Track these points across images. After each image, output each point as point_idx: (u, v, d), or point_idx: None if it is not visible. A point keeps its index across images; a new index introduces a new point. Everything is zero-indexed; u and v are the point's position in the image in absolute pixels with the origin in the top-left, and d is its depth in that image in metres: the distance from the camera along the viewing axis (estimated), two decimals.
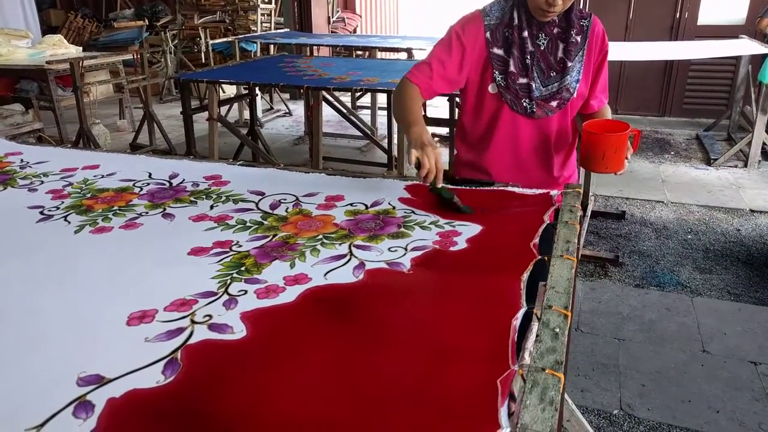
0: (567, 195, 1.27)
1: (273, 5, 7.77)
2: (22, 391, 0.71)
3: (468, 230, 1.14)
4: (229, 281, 0.96)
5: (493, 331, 0.79)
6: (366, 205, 1.28)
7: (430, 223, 1.18)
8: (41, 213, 1.26)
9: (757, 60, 4.92)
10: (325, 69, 3.86)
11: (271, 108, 7.03)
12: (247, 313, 0.86)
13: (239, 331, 0.82)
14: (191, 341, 0.80)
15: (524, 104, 1.53)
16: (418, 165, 1.27)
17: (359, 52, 6.38)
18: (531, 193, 1.32)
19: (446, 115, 3.63)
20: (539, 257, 1.00)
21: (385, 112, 4.92)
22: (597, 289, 2.94)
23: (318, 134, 4.07)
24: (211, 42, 7.07)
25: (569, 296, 0.87)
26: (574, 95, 1.55)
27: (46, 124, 4.16)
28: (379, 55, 5.85)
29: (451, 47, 1.51)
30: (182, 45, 7.91)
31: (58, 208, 1.28)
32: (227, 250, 1.07)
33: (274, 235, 1.14)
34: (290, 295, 0.91)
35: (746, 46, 4.63)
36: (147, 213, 1.26)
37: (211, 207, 1.29)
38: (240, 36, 6.48)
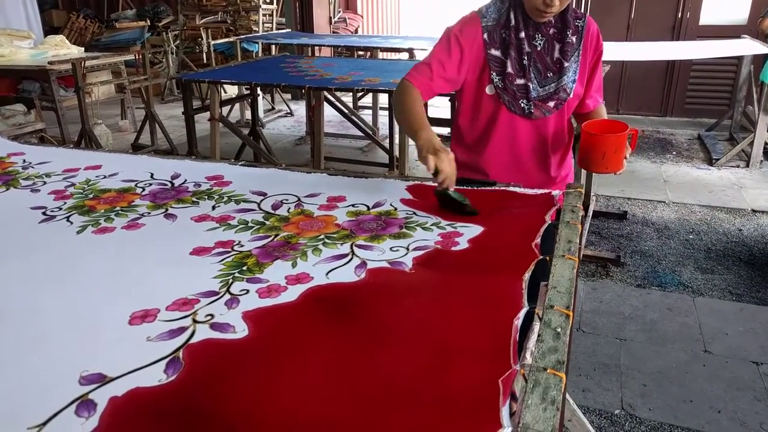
0: (569, 195, 1.27)
1: (274, 6, 7.77)
2: (25, 390, 0.71)
3: (470, 231, 1.14)
4: (230, 281, 0.96)
5: (495, 331, 0.80)
6: (368, 206, 1.28)
7: (432, 224, 1.18)
8: (44, 214, 1.26)
9: (759, 60, 4.91)
10: (327, 69, 3.86)
11: (273, 108, 7.03)
12: (248, 313, 0.86)
13: (241, 331, 0.82)
14: (193, 340, 0.80)
15: (522, 105, 1.53)
16: (436, 171, 1.25)
17: (361, 53, 6.38)
18: (532, 193, 1.32)
19: (447, 116, 3.64)
20: (541, 257, 1.00)
21: (386, 112, 4.92)
22: (598, 289, 2.93)
23: (319, 134, 4.07)
24: (212, 42, 7.07)
25: (571, 296, 0.87)
26: (571, 95, 1.56)
27: (48, 125, 4.17)
28: (381, 55, 5.85)
29: (450, 48, 1.51)
30: (184, 45, 7.92)
31: (60, 209, 1.29)
32: (229, 250, 1.08)
33: (276, 235, 1.14)
34: (292, 294, 0.91)
35: (748, 46, 4.62)
36: (149, 213, 1.26)
37: (213, 207, 1.29)
38: (242, 36, 6.48)
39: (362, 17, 9.07)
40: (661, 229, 3.65)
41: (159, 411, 0.67)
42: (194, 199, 1.34)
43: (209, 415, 0.66)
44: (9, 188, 1.43)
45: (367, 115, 5.99)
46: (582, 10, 5.64)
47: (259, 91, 5.41)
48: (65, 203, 1.32)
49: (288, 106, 7.03)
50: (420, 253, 1.05)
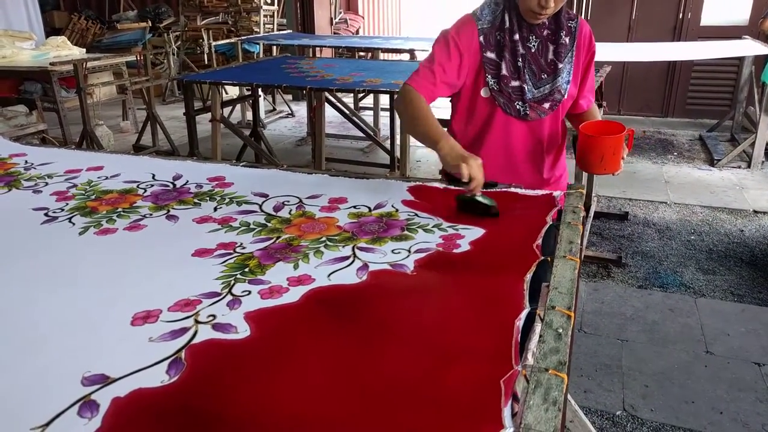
0: (570, 196, 1.27)
1: (276, 7, 7.78)
2: (27, 391, 0.71)
3: (471, 233, 1.14)
4: (232, 282, 0.96)
5: (496, 332, 0.80)
6: (369, 208, 1.28)
7: (434, 226, 1.18)
8: (46, 215, 1.26)
9: (760, 61, 4.91)
10: (328, 70, 3.87)
11: (274, 109, 7.04)
12: (250, 313, 0.87)
13: (243, 331, 0.82)
14: (195, 341, 0.80)
15: (517, 107, 1.54)
16: (463, 178, 1.24)
17: (362, 54, 6.39)
18: (533, 194, 1.32)
19: (447, 117, 3.64)
20: (542, 258, 1.00)
21: (387, 113, 4.93)
22: (600, 290, 2.93)
23: (321, 135, 4.08)
24: (214, 43, 7.09)
25: (572, 297, 0.87)
26: (565, 96, 1.57)
27: (50, 126, 4.17)
28: (382, 56, 5.85)
29: (449, 52, 1.50)
30: (185, 46, 7.93)
31: (62, 210, 1.29)
32: (231, 251, 1.08)
33: (278, 237, 1.14)
34: (294, 295, 0.92)
35: (749, 47, 4.62)
36: (151, 215, 1.26)
37: (215, 209, 1.29)
38: (243, 37, 6.49)
39: (363, 18, 9.07)
40: (663, 229, 3.65)
41: (161, 411, 0.67)
42: (196, 200, 1.34)
43: (211, 416, 0.66)
44: (11, 189, 1.43)
45: (368, 116, 5.99)
46: (583, 11, 5.64)
47: (260, 92, 5.42)
48: (67, 204, 1.32)
49: (289, 107, 7.04)
50: (421, 255, 1.05)
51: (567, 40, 1.53)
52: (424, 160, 5.01)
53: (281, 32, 7.12)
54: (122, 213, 1.27)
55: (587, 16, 5.90)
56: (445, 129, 1.43)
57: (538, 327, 0.81)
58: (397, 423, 0.65)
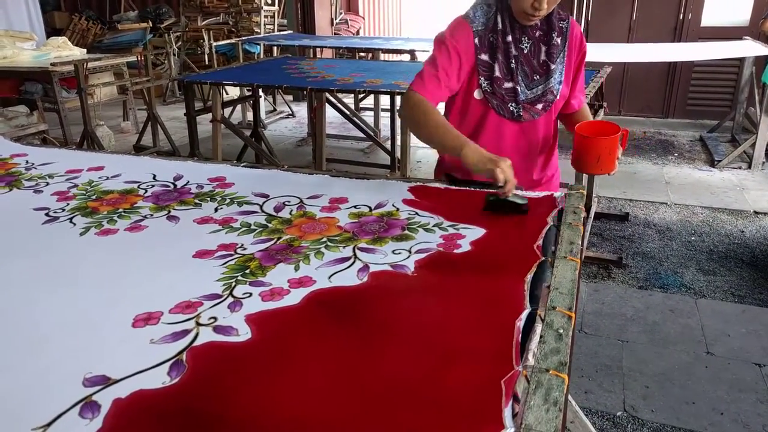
0: (570, 197, 1.27)
1: (276, 7, 7.79)
2: (29, 391, 0.71)
3: (472, 233, 1.14)
4: (233, 284, 0.96)
5: (497, 332, 0.80)
6: (370, 208, 1.28)
7: (434, 226, 1.18)
8: (47, 215, 1.27)
9: (760, 61, 4.91)
10: (329, 71, 3.87)
11: (275, 110, 7.04)
12: (251, 316, 0.87)
13: (244, 334, 0.82)
14: (196, 343, 0.80)
15: (511, 108, 1.54)
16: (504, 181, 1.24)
17: (362, 54, 6.39)
18: (534, 196, 1.32)
19: None
20: (542, 258, 1.01)
21: (388, 114, 4.93)
22: (600, 291, 2.93)
23: (321, 136, 4.08)
24: (214, 44, 7.09)
25: (573, 297, 0.88)
26: (558, 97, 1.57)
27: (51, 126, 4.18)
28: (382, 56, 5.85)
29: (450, 56, 1.49)
30: (186, 47, 7.93)
31: (63, 210, 1.29)
32: (232, 252, 1.08)
33: (279, 238, 1.14)
34: (295, 297, 0.92)
35: (750, 48, 4.62)
36: (152, 215, 1.26)
37: (216, 210, 1.29)
38: (243, 38, 6.49)
39: (364, 19, 9.07)
40: (663, 230, 3.65)
41: (162, 413, 0.67)
42: (197, 201, 1.34)
43: (212, 418, 0.66)
44: (12, 189, 1.43)
45: (368, 117, 6.00)
46: (584, 12, 5.64)
47: (260, 93, 5.42)
48: (68, 204, 1.32)
49: (290, 107, 7.04)
50: (422, 255, 1.05)
51: (559, 40, 1.54)
52: (425, 160, 5.01)
53: (282, 33, 7.12)
54: (123, 213, 1.27)
55: (588, 17, 5.90)
56: None
57: (538, 327, 0.81)
58: (398, 424, 0.65)
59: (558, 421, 0.63)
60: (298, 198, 1.34)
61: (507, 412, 0.64)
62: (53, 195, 1.39)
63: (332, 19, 7.84)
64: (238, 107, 6.21)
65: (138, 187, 1.44)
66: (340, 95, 4.81)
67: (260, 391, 0.70)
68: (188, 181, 1.47)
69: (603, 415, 2.09)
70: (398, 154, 3.92)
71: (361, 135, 5.09)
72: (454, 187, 1.39)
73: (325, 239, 1.13)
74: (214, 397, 0.70)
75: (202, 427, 0.65)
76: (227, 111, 6.00)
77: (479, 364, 0.74)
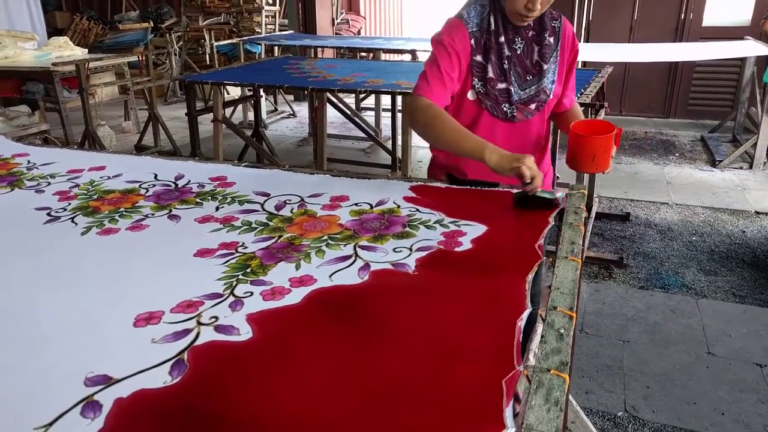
0: (572, 197, 1.27)
1: (277, 7, 7.79)
2: (31, 391, 0.71)
3: (473, 230, 1.14)
4: (234, 283, 0.96)
5: (498, 332, 0.80)
6: (371, 205, 1.28)
7: (435, 222, 1.18)
8: (48, 215, 1.27)
9: (762, 61, 4.91)
10: (330, 71, 3.87)
11: (276, 109, 7.05)
12: (253, 315, 0.87)
13: (245, 333, 0.82)
14: (198, 342, 0.80)
15: (504, 109, 1.53)
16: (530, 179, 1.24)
17: (363, 54, 6.39)
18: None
19: None
20: (544, 258, 1.01)
21: (389, 114, 4.93)
22: (601, 291, 2.93)
23: (322, 136, 4.08)
24: (215, 44, 7.10)
25: (574, 297, 0.87)
26: (551, 96, 1.57)
27: (52, 126, 4.18)
28: (383, 56, 5.86)
29: (450, 58, 1.48)
30: (187, 47, 7.94)
31: (65, 210, 1.29)
32: (233, 251, 1.08)
33: (280, 236, 1.14)
34: (296, 296, 0.92)
35: (751, 48, 4.62)
36: (153, 214, 1.26)
37: (217, 208, 1.29)
38: (244, 38, 6.50)
39: (365, 19, 9.08)
40: (664, 230, 3.64)
41: (164, 412, 0.67)
42: (198, 200, 1.34)
43: (213, 417, 0.67)
44: (14, 189, 1.44)
45: (369, 117, 6.00)
46: (585, 12, 5.64)
47: (261, 93, 5.42)
48: (69, 204, 1.33)
49: (291, 107, 7.05)
50: (423, 254, 1.05)
51: (551, 40, 1.54)
52: (426, 160, 5.00)
53: (283, 33, 7.12)
54: (124, 213, 1.27)
55: (589, 17, 5.90)
56: None
57: (540, 327, 0.81)
58: (399, 423, 0.65)
59: (559, 421, 0.63)
60: (299, 197, 1.34)
61: (508, 412, 0.64)
62: (55, 195, 1.39)
63: (333, 19, 7.84)
64: (239, 107, 6.21)
65: (139, 186, 1.44)
66: (341, 95, 4.81)
67: (261, 390, 0.70)
68: (189, 181, 1.47)
69: (604, 415, 2.09)
70: (399, 154, 3.92)
71: (362, 135, 5.09)
72: (455, 187, 1.40)
73: (326, 237, 1.13)
74: (215, 397, 0.70)
75: (204, 427, 0.65)
76: (228, 111, 6.00)
77: (480, 363, 0.74)
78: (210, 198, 1.35)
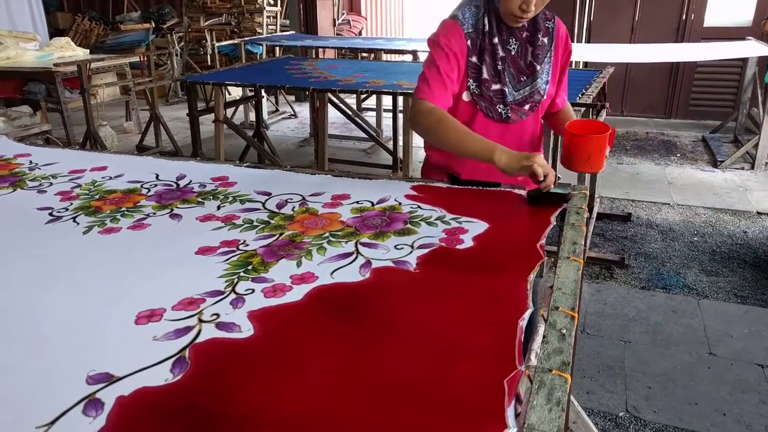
0: (573, 197, 1.27)
1: (278, 8, 7.80)
2: (33, 390, 0.71)
3: (475, 227, 1.14)
4: (236, 280, 0.96)
5: (500, 332, 0.80)
6: (372, 203, 1.28)
7: (437, 219, 1.19)
8: (50, 214, 1.27)
9: (763, 62, 4.91)
10: (331, 71, 3.87)
11: (277, 110, 7.05)
12: (254, 312, 0.87)
13: (247, 330, 0.82)
14: (199, 340, 0.80)
15: (499, 110, 1.54)
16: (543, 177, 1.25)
17: (364, 54, 6.40)
18: None
19: None
20: (545, 258, 1.00)
21: (390, 114, 4.93)
22: (603, 291, 2.93)
23: (323, 136, 4.08)
24: (217, 44, 7.10)
25: (576, 298, 0.87)
26: (545, 97, 1.58)
27: (54, 126, 4.18)
28: (385, 57, 5.86)
29: (449, 59, 1.48)
30: (188, 47, 7.95)
31: (67, 210, 1.29)
32: (234, 249, 1.08)
33: (281, 234, 1.14)
34: (297, 294, 0.92)
35: (753, 48, 4.61)
36: (155, 214, 1.26)
37: (218, 207, 1.29)
38: (246, 38, 6.50)
39: (366, 19, 9.08)
40: (666, 231, 3.64)
41: (165, 410, 0.67)
42: (199, 199, 1.34)
43: (215, 414, 0.67)
44: (16, 189, 1.44)
45: (370, 117, 6.00)
46: (586, 13, 5.64)
47: (263, 93, 5.42)
48: (71, 204, 1.33)
49: (292, 107, 7.05)
50: (424, 251, 1.05)
51: (545, 40, 1.54)
52: None
53: (284, 33, 7.13)
54: (126, 212, 1.27)
55: (590, 17, 5.90)
56: None
57: (541, 327, 0.81)
58: (400, 422, 0.65)
59: (560, 421, 0.63)
60: (301, 195, 1.34)
61: (509, 412, 0.64)
62: (57, 195, 1.39)
63: (334, 20, 7.85)
64: (241, 107, 6.22)
65: (141, 186, 1.44)
66: (342, 96, 4.81)
67: (263, 388, 0.70)
68: (191, 181, 1.47)
69: (605, 415, 2.09)
70: (400, 154, 3.92)
71: (364, 135, 5.09)
72: (457, 186, 1.40)
73: (327, 234, 1.13)
74: (216, 394, 0.70)
75: (205, 424, 0.65)
76: (230, 111, 6.00)
77: (482, 363, 0.74)
78: (211, 197, 1.35)
